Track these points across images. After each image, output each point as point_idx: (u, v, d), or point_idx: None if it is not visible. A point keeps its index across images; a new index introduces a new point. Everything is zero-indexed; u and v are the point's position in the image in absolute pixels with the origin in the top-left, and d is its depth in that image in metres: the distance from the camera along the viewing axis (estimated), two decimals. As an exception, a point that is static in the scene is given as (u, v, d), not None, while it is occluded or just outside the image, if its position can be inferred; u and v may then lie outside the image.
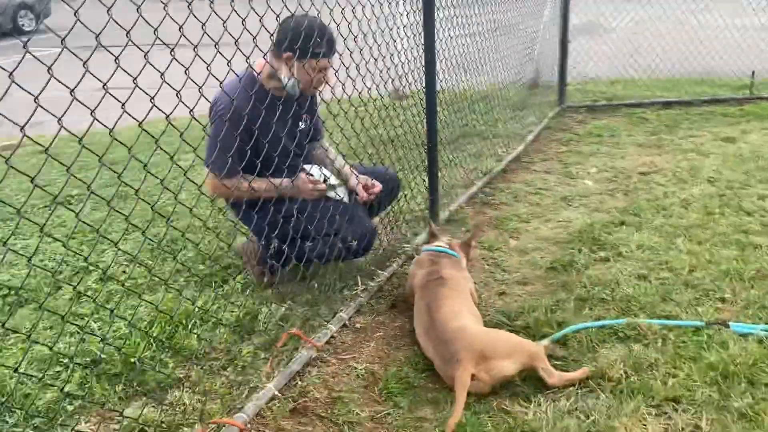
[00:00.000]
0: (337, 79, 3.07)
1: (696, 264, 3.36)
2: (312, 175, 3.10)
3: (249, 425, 2.25)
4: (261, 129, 2.91)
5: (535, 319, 2.94)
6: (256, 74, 2.97)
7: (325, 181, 3.11)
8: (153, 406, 2.34)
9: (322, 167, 3.17)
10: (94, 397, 2.43)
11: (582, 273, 3.34)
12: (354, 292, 3.11)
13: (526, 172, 5.42)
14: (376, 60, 3.40)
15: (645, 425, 2.23)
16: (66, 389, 2.39)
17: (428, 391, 2.51)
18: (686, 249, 3.55)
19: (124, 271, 3.57)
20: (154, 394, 2.43)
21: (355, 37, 3.15)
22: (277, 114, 2.91)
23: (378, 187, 3.22)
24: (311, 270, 3.17)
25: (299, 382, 2.51)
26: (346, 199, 3.19)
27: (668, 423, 2.25)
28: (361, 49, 3.25)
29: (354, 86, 3.20)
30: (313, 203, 3.06)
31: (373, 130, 3.75)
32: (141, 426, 2.24)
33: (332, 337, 2.80)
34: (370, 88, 3.42)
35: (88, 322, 2.96)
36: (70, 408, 2.38)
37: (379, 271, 3.31)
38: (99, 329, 2.92)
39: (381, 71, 3.46)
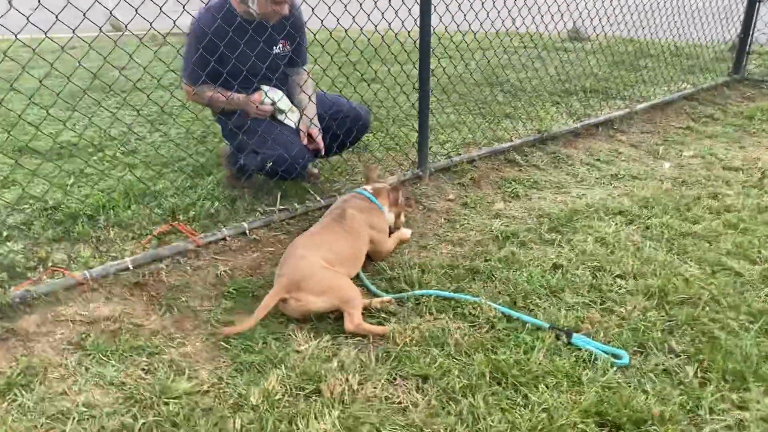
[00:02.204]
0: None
1: (626, 272, 3.05)
2: (265, 95, 3.41)
3: (90, 282, 2.81)
4: (226, 46, 3.28)
5: (409, 276, 3.01)
6: (229, -2, 3.32)
7: (273, 104, 3.39)
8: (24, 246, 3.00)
9: (276, 91, 3.45)
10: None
11: (516, 253, 3.22)
12: (271, 208, 3.42)
13: (605, 139, 5.03)
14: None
15: (347, 381, 2.30)
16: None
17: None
18: (637, 256, 3.19)
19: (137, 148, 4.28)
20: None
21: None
22: (247, 36, 3.24)
23: (316, 145, 3.41)
24: (252, 178, 3.55)
25: (160, 265, 2.98)
26: (294, 125, 3.46)
27: (389, 391, 2.30)
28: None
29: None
30: (255, 120, 3.40)
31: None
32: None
33: (224, 239, 3.20)
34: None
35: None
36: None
37: (317, 198, 3.56)
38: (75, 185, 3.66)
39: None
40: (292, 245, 2.91)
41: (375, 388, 2.30)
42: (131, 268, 2.89)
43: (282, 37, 3.47)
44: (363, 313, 2.72)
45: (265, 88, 3.41)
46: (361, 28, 3.54)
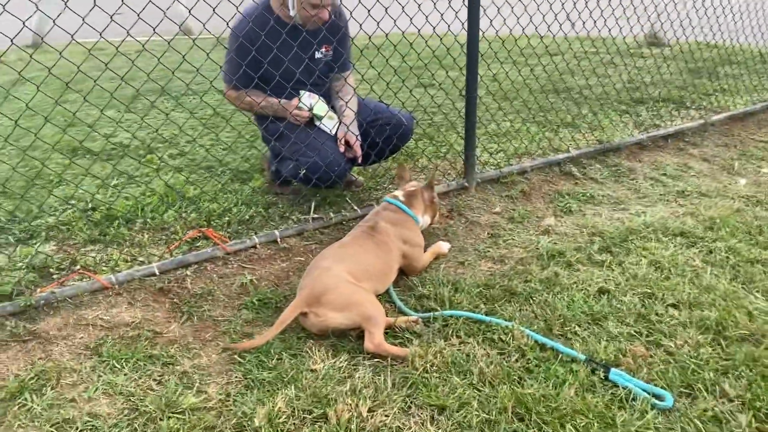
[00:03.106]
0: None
1: (680, 301, 2.77)
2: (300, 100, 3.32)
3: (115, 286, 2.79)
4: (266, 51, 3.21)
5: (440, 294, 2.85)
6: (271, 2, 3.26)
7: (309, 109, 3.30)
8: (59, 247, 3.02)
9: (313, 96, 3.35)
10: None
11: (560, 275, 2.99)
12: (305, 217, 3.33)
13: (674, 152, 4.68)
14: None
15: (357, 407, 2.17)
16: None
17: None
18: (695, 284, 2.90)
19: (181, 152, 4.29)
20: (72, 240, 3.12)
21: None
22: (288, 40, 3.17)
23: (354, 153, 3.29)
24: (290, 185, 3.48)
25: (185, 272, 2.94)
26: (332, 132, 3.35)
27: (401, 420, 2.15)
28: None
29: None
30: (290, 126, 3.31)
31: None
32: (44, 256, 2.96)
33: (254, 247, 3.13)
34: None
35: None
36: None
37: (354, 207, 3.45)
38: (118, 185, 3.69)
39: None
40: (319, 256, 2.80)
41: (386, 416, 2.16)
42: (157, 273, 2.86)
43: (324, 42, 3.37)
44: (386, 333, 2.58)
45: (302, 93, 3.32)
46: (419, 30, 3.42)
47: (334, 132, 3.35)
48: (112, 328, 2.60)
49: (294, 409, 2.18)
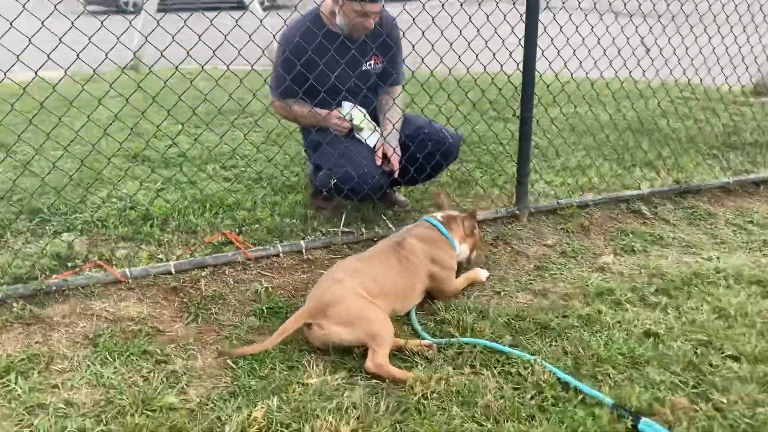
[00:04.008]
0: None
1: (742, 353, 2.37)
2: (342, 111, 3.21)
3: (129, 281, 2.74)
4: (314, 60, 3.15)
5: (462, 321, 2.60)
6: (320, 12, 3.22)
7: (350, 120, 3.19)
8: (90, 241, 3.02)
9: (357, 107, 3.24)
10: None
11: (603, 312, 2.67)
12: (335, 230, 3.18)
13: (766, 200, 4.19)
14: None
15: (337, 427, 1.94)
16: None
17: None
18: (765, 336, 2.50)
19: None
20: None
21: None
22: (336, 51, 3.11)
23: (392, 166, 3.14)
24: (333, 200, 3.36)
25: (201, 273, 2.84)
26: (371, 144, 3.22)
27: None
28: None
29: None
30: (329, 137, 3.21)
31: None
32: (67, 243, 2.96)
33: (276, 255, 3.01)
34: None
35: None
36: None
37: (389, 225, 3.27)
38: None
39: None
40: (334, 266, 2.64)
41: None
42: (173, 272, 2.79)
43: (374, 52, 3.27)
44: (394, 355, 2.36)
45: (344, 103, 3.22)
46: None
47: (373, 144, 3.21)
48: (116, 321, 2.53)
49: (272, 421, 1.99)
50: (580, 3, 3.49)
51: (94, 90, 3.05)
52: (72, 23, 2.58)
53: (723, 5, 4.30)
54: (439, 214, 2.95)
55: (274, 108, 3.40)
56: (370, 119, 3.23)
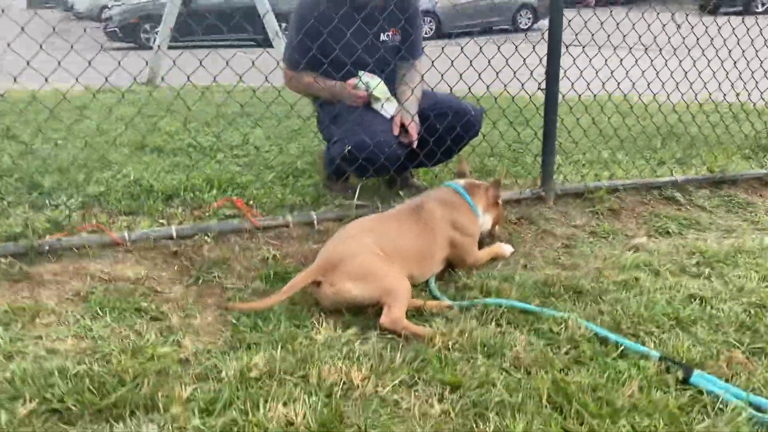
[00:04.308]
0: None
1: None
2: (359, 80, 3.06)
3: (127, 243, 2.56)
4: (328, 30, 3.02)
5: (486, 285, 2.38)
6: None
7: (368, 90, 3.03)
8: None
9: (374, 77, 3.08)
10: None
11: (641, 279, 2.44)
12: (349, 202, 2.99)
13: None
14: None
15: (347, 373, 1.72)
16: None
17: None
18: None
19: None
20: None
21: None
22: (351, 22, 2.97)
23: (410, 137, 2.96)
24: (348, 181, 3.19)
25: (205, 238, 2.65)
26: (388, 115, 3.05)
27: (400, 394, 1.67)
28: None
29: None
30: (346, 108, 3.05)
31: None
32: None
33: (286, 225, 2.81)
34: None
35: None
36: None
37: (406, 200, 3.07)
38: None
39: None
40: (348, 224, 2.45)
41: (382, 387, 1.69)
42: (175, 236, 2.60)
43: (391, 24, 3.14)
44: (412, 315, 2.14)
45: (361, 73, 3.06)
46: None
47: (390, 116, 3.04)
48: (110, 281, 2.34)
49: (275, 368, 1.77)
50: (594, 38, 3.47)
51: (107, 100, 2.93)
52: (89, 63, 2.48)
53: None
54: (462, 181, 2.76)
55: (286, 80, 3.25)
56: (387, 89, 3.07)
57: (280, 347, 1.88)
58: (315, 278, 2.18)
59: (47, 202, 2.99)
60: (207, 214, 2.80)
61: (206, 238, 2.63)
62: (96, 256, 2.48)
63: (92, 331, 2.01)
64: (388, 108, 3.06)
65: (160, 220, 2.81)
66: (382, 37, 3.16)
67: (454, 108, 3.06)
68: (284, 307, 2.16)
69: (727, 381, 1.74)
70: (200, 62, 2.73)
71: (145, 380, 1.69)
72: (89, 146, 3.81)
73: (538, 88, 3.30)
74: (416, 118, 3.00)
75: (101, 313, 2.12)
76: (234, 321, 2.09)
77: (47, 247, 2.44)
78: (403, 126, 2.97)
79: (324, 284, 2.17)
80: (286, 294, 2.13)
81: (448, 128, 3.08)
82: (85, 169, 3.39)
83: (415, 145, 2.97)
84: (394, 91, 3.16)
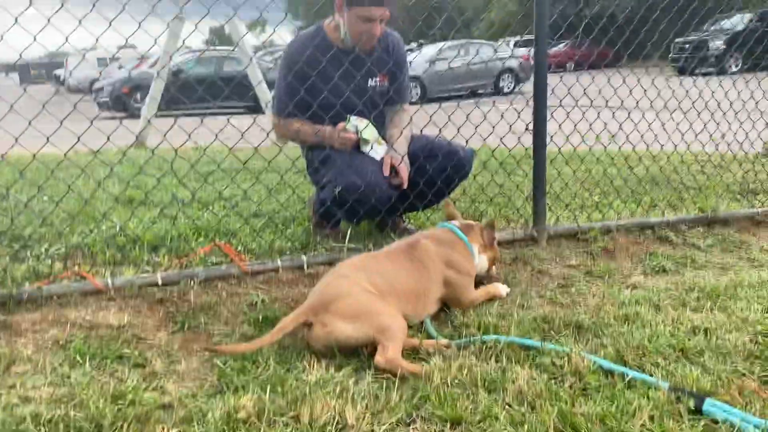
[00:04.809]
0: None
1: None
2: (348, 122, 3.04)
3: (111, 290, 2.46)
4: (317, 76, 3.02)
5: (484, 322, 2.30)
6: (324, 26, 3.13)
7: (357, 132, 3.02)
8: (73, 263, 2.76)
9: (363, 120, 3.06)
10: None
11: (641, 313, 2.37)
12: (340, 245, 2.93)
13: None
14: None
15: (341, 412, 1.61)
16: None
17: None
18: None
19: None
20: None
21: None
22: (340, 67, 2.98)
23: (399, 179, 2.94)
24: (338, 226, 3.13)
25: (190, 284, 2.56)
26: (377, 157, 3.03)
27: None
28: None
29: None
30: (333, 151, 3.02)
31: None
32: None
33: (275, 270, 2.73)
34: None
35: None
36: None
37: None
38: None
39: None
40: (339, 264, 2.37)
41: (379, 425, 1.59)
42: (160, 283, 2.51)
43: (378, 70, 3.16)
44: (408, 355, 2.05)
45: (350, 117, 3.06)
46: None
47: (379, 158, 3.01)
48: (92, 328, 2.24)
49: (263, 410, 1.67)
50: (577, 101, 3.54)
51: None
52: (78, 138, 2.45)
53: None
54: (457, 222, 2.71)
55: (275, 129, 3.23)
56: (376, 132, 3.06)
57: (269, 389, 1.77)
58: (306, 319, 2.09)
59: (28, 254, 2.90)
60: (193, 261, 2.71)
61: (192, 284, 2.54)
62: (77, 303, 2.39)
63: (70, 378, 1.90)
64: (377, 150, 3.04)
65: (146, 268, 2.71)
66: (371, 82, 3.17)
67: (444, 149, 3.04)
68: (273, 350, 2.06)
69: (740, 409, 1.65)
70: (188, 135, 2.67)
71: (125, 425, 1.58)
72: (76, 199, 3.74)
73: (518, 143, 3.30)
74: (406, 159, 2.98)
75: (81, 361, 2.01)
76: (220, 365, 1.99)
77: (26, 296, 2.34)
78: (393, 167, 2.94)
79: (315, 325, 2.08)
80: (276, 336, 2.04)
81: (438, 170, 3.05)
82: (69, 221, 3.31)
83: (405, 186, 2.94)
84: (383, 134, 3.14)
